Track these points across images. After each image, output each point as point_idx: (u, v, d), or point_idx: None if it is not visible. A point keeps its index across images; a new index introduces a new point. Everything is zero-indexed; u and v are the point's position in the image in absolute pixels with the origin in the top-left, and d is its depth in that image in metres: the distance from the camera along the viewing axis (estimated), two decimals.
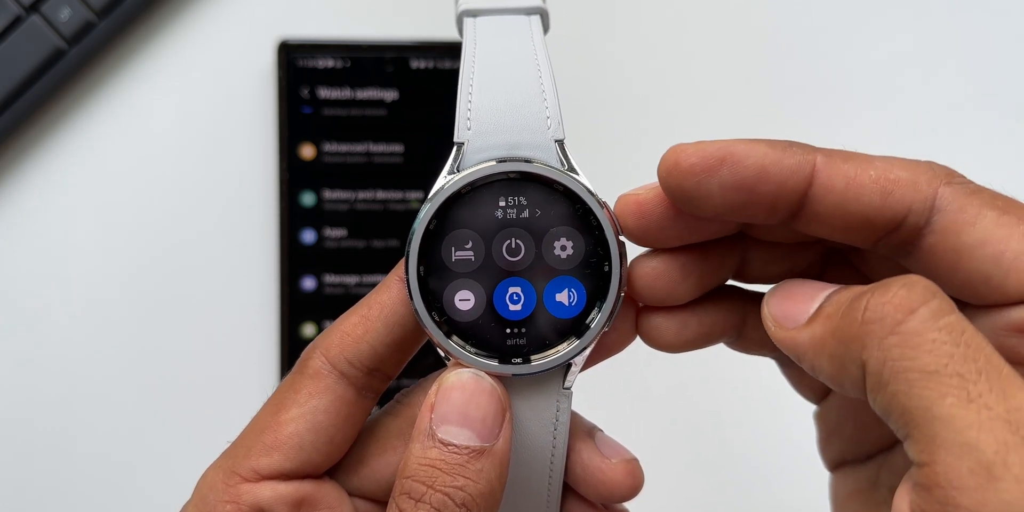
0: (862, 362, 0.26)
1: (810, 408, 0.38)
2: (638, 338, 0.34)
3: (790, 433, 0.43)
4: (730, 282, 0.34)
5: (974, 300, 0.29)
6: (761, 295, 0.34)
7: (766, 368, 0.38)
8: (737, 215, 0.30)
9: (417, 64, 0.58)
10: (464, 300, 0.32)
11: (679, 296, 0.32)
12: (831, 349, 0.28)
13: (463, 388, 0.31)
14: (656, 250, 0.32)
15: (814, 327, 0.28)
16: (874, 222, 0.29)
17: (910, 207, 0.29)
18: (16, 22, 0.56)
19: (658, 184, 0.31)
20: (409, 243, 0.31)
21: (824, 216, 0.30)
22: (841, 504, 0.36)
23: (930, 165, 0.30)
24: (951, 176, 0.29)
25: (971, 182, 0.30)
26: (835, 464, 0.36)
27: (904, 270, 0.31)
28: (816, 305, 0.29)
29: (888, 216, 0.29)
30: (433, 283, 0.31)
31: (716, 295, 0.34)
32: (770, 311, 0.30)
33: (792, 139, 0.30)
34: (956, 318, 0.26)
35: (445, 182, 0.31)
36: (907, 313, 0.26)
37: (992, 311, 0.29)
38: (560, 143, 0.31)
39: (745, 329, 0.34)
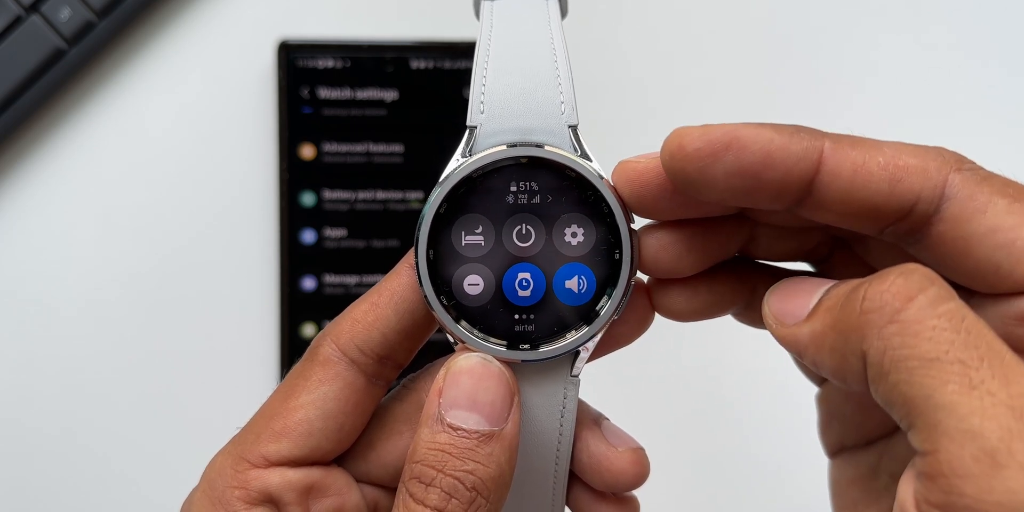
0: (862, 353, 0.26)
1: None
2: (645, 330, 0.34)
3: (797, 423, 0.43)
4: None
5: (983, 289, 0.29)
6: (771, 267, 0.34)
7: (774, 355, 0.38)
8: (741, 201, 0.30)
9: (417, 64, 0.58)
10: (473, 285, 0.31)
11: (683, 269, 0.32)
12: (831, 342, 0.27)
13: (471, 372, 0.31)
14: (664, 223, 0.32)
15: (814, 322, 0.28)
16: (882, 210, 0.29)
17: (919, 195, 0.28)
18: (16, 22, 0.56)
19: (655, 154, 0.30)
20: (419, 227, 0.31)
21: (831, 203, 0.29)
22: (841, 491, 0.35)
23: (940, 151, 0.29)
24: (961, 163, 0.29)
25: (982, 169, 0.29)
26: (835, 450, 0.36)
27: (907, 257, 0.31)
28: (815, 300, 0.29)
29: (897, 204, 0.28)
30: (442, 267, 0.31)
31: (726, 265, 0.33)
32: (770, 309, 0.30)
33: (798, 124, 0.30)
34: (956, 305, 0.26)
35: (456, 166, 0.31)
36: (906, 301, 0.26)
37: (1000, 300, 0.29)
38: (574, 129, 0.31)
39: (754, 300, 0.33)
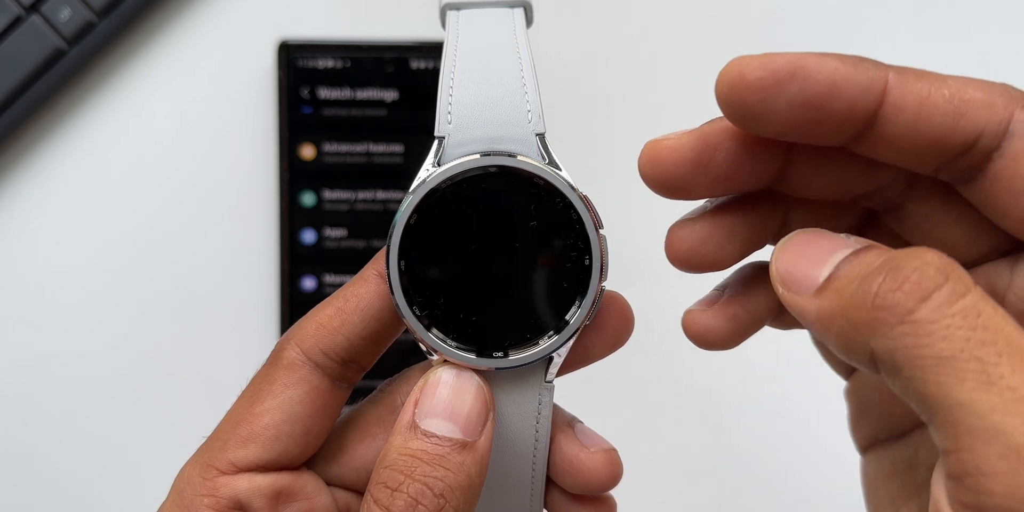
0: (871, 349, 0.25)
1: (812, 402, 0.37)
2: (621, 345, 0.34)
3: (787, 421, 0.43)
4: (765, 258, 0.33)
5: None
6: None
7: (760, 354, 0.37)
8: (802, 135, 0.28)
9: (417, 64, 0.58)
10: (445, 293, 0.31)
11: (725, 259, 0.31)
12: (839, 327, 0.26)
13: (449, 384, 0.31)
14: (699, 216, 0.31)
15: (823, 300, 0.27)
16: (944, 144, 0.27)
17: (983, 130, 0.27)
18: (16, 22, 0.56)
19: (687, 131, 0.29)
20: (390, 237, 0.31)
21: (892, 137, 0.28)
22: (877, 487, 0.34)
23: (1006, 87, 0.28)
24: None
25: None
26: (868, 443, 0.35)
27: (944, 224, 0.30)
28: (827, 271, 0.27)
29: (960, 138, 0.27)
30: (413, 277, 0.31)
31: (754, 281, 0.32)
32: (779, 270, 0.28)
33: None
34: (971, 300, 0.25)
35: (426, 176, 0.31)
36: (919, 301, 0.25)
37: None
38: (541, 137, 0.31)
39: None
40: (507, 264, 0.31)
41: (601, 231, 0.31)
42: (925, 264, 0.25)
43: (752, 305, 0.32)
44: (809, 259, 0.28)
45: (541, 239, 0.31)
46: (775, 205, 0.32)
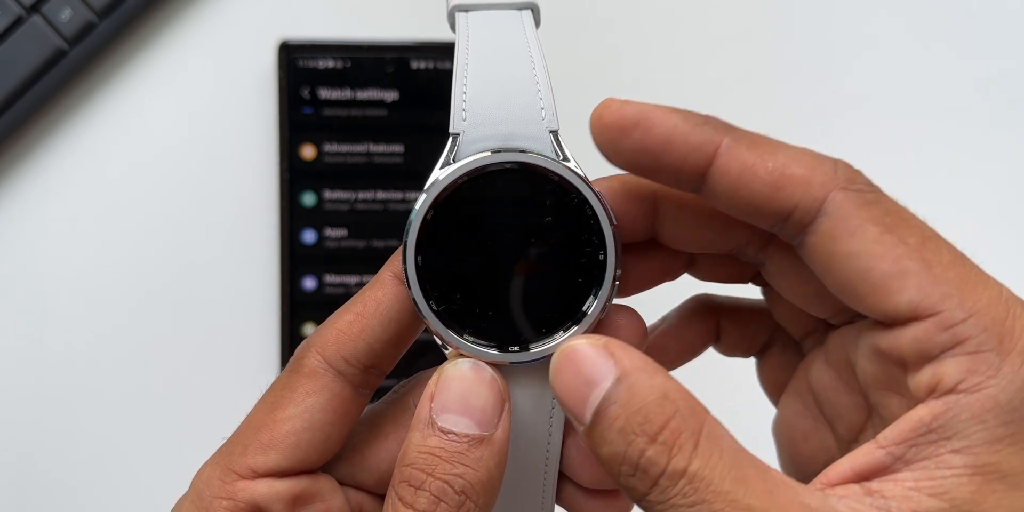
0: None
1: None
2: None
3: None
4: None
5: (850, 304, 0.30)
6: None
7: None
8: (648, 176, 0.31)
9: (417, 64, 0.58)
10: (461, 289, 0.32)
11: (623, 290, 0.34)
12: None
13: (463, 378, 0.31)
14: None
15: (592, 443, 0.28)
16: (763, 210, 0.30)
17: (797, 205, 0.30)
18: (17, 22, 0.56)
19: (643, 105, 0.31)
20: (407, 233, 0.31)
21: (719, 196, 0.30)
22: None
23: (835, 165, 0.30)
24: (852, 181, 0.30)
25: (872, 191, 0.30)
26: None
27: (801, 284, 0.33)
28: (589, 414, 0.28)
29: (775, 208, 0.30)
30: (429, 273, 0.31)
31: (690, 313, 0.37)
32: (557, 393, 0.29)
33: (760, 128, 0.31)
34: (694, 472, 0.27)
35: (441, 173, 0.31)
36: (649, 487, 0.27)
37: (864, 333, 0.31)
38: (555, 133, 0.32)
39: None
40: (523, 259, 0.31)
41: (615, 226, 0.31)
42: (646, 467, 0.27)
43: (683, 337, 0.37)
44: (576, 392, 0.29)
45: (556, 234, 0.31)
46: (675, 252, 0.34)
